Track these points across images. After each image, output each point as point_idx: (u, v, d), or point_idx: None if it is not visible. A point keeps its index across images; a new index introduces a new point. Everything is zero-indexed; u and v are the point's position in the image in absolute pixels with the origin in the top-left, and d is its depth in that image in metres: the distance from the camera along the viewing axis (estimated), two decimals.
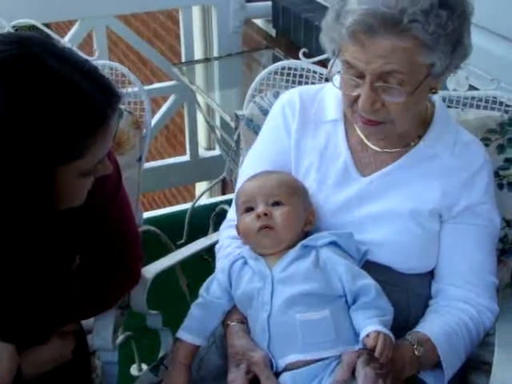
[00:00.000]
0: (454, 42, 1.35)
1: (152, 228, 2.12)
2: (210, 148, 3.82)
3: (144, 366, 2.55)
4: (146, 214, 3.35)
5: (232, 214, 1.62)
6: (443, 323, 1.44)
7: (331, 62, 1.44)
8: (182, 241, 3.03)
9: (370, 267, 1.45)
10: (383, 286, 1.40)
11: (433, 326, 1.43)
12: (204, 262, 1.81)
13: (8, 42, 1.22)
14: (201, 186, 3.91)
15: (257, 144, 1.66)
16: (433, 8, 1.32)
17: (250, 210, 1.47)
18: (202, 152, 3.70)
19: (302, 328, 1.34)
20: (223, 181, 3.20)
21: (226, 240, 1.62)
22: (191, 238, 2.15)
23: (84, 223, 1.48)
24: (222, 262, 1.56)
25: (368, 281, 1.39)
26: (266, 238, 1.44)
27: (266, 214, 1.43)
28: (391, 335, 1.32)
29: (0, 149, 1.19)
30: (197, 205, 3.30)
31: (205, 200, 3.54)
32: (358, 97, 1.38)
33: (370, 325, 1.33)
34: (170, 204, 4.59)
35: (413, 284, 1.49)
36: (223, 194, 3.60)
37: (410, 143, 1.51)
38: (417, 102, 1.40)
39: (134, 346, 2.47)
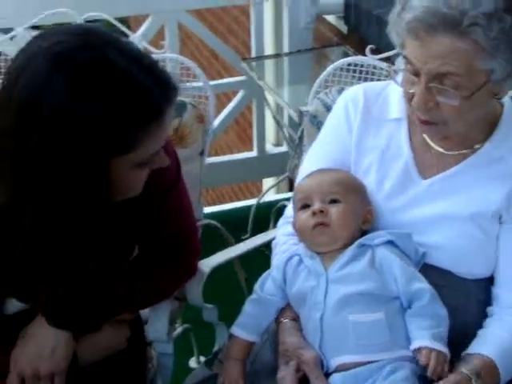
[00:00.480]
0: None
1: (212, 222, 2.13)
2: (277, 144, 3.81)
3: (202, 359, 2.52)
4: (212, 209, 3.43)
5: (290, 210, 1.60)
6: (502, 339, 1.41)
7: (398, 56, 1.44)
8: (247, 235, 3.03)
9: (429, 270, 1.43)
10: (442, 290, 1.38)
11: (491, 344, 1.41)
12: (264, 257, 1.73)
13: (71, 33, 1.24)
14: (268, 182, 3.90)
15: (318, 141, 1.65)
16: (497, 12, 1.27)
17: (306, 207, 1.46)
18: (270, 148, 3.69)
19: (354, 329, 1.33)
20: (290, 178, 3.06)
21: (283, 237, 1.61)
22: (255, 234, 2.16)
23: (142, 214, 1.49)
24: (277, 259, 1.56)
25: (423, 285, 1.37)
26: (321, 235, 1.43)
27: (321, 211, 1.42)
28: (445, 350, 1.31)
29: (57, 139, 1.21)
30: (262, 201, 3.30)
31: (271, 196, 3.53)
32: (414, 94, 1.37)
33: (423, 338, 1.32)
34: (238, 199, 4.56)
35: (472, 289, 1.46)
36: (290, 190, 3.52)
37: (475, 145, 1.48)
38: (474, 107, 1.37)
39: (193, 338, 2.49)
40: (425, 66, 1.31)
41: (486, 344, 1.40)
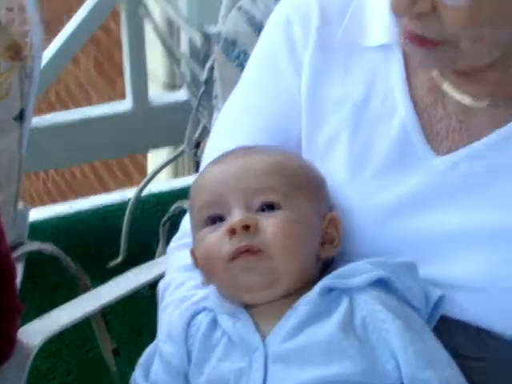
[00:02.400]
0: None
1: (47, 247, 1.69)
2: (172, 86, 3.11)
3: None
4: (52, 210, 2.66)
5: (189, 223, 1.28)
6: None
7: None
8: (118, 260, 2.39)
9: (451, 330, 1.15)
10: (475, 366, 1.10)
11: None
12: (147, 305, 1.52)
13: None
14: (157, 157, 3.15)
15: (239, 89, 1.35)
16: None
17: (216, 219, 1.13)
18: (157, 94, 2.95)
19: None
20: (195, 152, 2.37)
21: (179, 274, 1.29)
22: (133, 257, 1.98)
23: None
24: (171, 319, 1.24)
25: (445, 370, 1.06)
26: (248, 272, 1.10)
27: (247, 227, 1.09)
28: None
29: None
30: (146, 193, 2.55)
31: (162, 184, 2.79)
32: None
33: None
34: (105, 188, 3.72)
35: None
36: (197, 171, 2.89)
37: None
38: (505, 14, 1.06)
39: None
40: None
41: None
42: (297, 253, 1.14)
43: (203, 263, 1.16)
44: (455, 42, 1.09)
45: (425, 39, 1.11)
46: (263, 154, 1.21)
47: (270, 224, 1.13)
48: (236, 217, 1.12)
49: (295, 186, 1.18)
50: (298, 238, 1.15)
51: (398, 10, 1.10)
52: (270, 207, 1.15)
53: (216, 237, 1.13)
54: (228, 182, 1.17)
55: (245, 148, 1.22)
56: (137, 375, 1.19)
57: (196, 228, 1.17)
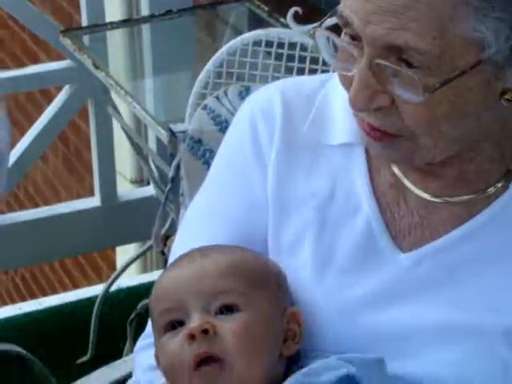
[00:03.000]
0: None
1: (15, 348, 1.64)
2: (140, 181, 3.07)
3: None
4: (13, 311, 2.54)
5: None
6: None
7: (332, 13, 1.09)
8: (87, 357, 2.33)
9: None
10: None
11: None
12: None
13: None
14: (126, 252, 3.05)
15: (206, 188, 1.27)
16: None
17: (176, 325, 1.04)
18: (126, 190, 2.87)
19: None
20: (163, 251, 2.29)
21: (145, 374, 1.19)
22: (101, 353, 1.96)
23: None
24: None
25: None
26: (208, 381, 1.01)
27: (205, 332, 1.00)
28: None
29: None
30: (115, 288, 2.49)
31: (132, 279, 2.71)
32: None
33: None
34: (74, 285, 3.63)
35: None
36: (165, 266, 2.84)
37: (490, 186, 1.09)
38: (457, 109, 1.00)
39: None
40: (367, 27, 0.99)
41: None
42: (259, 356, 1.07)
43: (166, 370, 1.10)
44: (413, 136, 1.05)
45: (383, 132, 1.06)
46: (219, 256, 1.14)
47: (229, 329, 1.06)
48: (195, 321, 1.05)
49: (253, 285, 1.11)
50: (260, 341, 1.07)
51: (356, 106, 1.06)
52: (229, 309, 1.08)
53: (176, 343, 1.06)
54: (185, 287, 1.10)
55: (201, 250, 1.15)
56: None
57: (158, 334, 1.10)
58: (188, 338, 1.04)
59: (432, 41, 0.98)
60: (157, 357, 1.11)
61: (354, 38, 1.03)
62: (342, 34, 1.06)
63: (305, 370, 1.06)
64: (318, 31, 1.09)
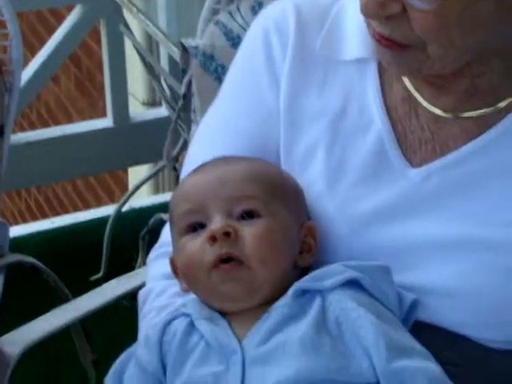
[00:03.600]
0: None
1: (27, 259, 1.69)
2: (152, 103, 3.09)
3: None
4: (29, 228, 2.64)
5: (168, 233, 1.26)
6: None
7: None
8: (99, 275, 2.39)
9: (422, 334, 1.13)
10: (449, 370, 1.07)
11: None
12: (126, 316, 1.41)
13: None
14: (137, 173, 3.09)
15: (219, 102, 1.34)
16: None
17: (196, 227, 1.11)
18: (138, 112, 2.93)
19: None
20: (175, 167, 2.32)
21: (158, 281, 1.29)
22: (114, 270, 1.92)
23: None
24: (149, 325, 1.24)
25: (420, 362, 1.06)
26: (229, 281, 1.09)
27: (227, 234, 1.08)
28: None
29: None
30: (126, 209, 2.54)
31: (142, 200, 2.77)
32: None
33: None
34: (85, 206, 3.71)
35: (500, 368, 1.17)
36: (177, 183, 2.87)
37: (502, 101, 1.14)
38: (474, 20, 1.05)
39: None
40: None
41: None
42: (276, 262, 1.14)
43: (184, 271, 1.16)
44: (423, 46, 1.09)
45: (393, 41, 1.11)
46: (243, 163, 1.21)
47: (250, 233, 1.12)
48: (217, 224, 1.11)
49: (275, 195, 1.18)
50: (278, 248, 1.15)
51: (367, 12, 1.10)
52: (250, 215, 1.14)
53: (197, 244, 1.12)
54: (209, 190, 1.16)
55: (224, 157, 1.21)
56: (108, 380, 1.18)
57: (177, 236, 1.16)
58: (210, 239, 1.10)
59: None
60: (172, 261, 1.18)
61: None
62: None
63: (312, 274, 1.14)
64: None
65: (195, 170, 1.20)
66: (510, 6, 1.06)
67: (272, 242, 1.13)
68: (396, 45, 1.10)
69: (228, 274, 1.11)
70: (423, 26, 1.07)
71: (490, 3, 1.05)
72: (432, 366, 1.06)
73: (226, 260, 1.10)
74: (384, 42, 1.10)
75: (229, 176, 1.18)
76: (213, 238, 1.09)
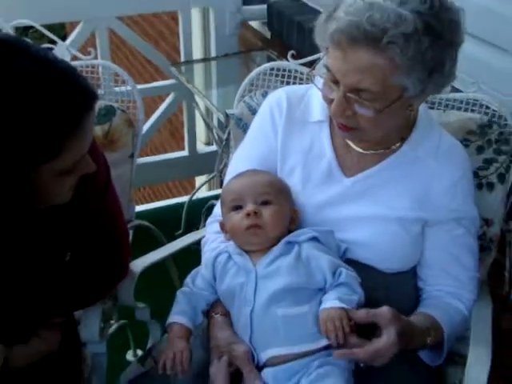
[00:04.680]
0: (431, 70, 1.29)
1: (144, 222, 2.05)
2: (208, 144, 3.71)
3: (139, 352, 2.48)
4: (146, 206, 3.29)
5: (218, 209, 1.55)
6: (448, 314, 1.44)
7: (318, 61, 1.42)
8: (180, 231, 2.87)
9: (350, 265, 1.40)
10: (363, 283, 1.36)
11: (435, 310, 1.43)
12: (196, 254, 1.64)
13: None
14: (201, 180, 3.73)
15: (245, 142, 1.60)
16: (416, 33, 1.25)
17: (237, 208, 1.41)
18: (201, 147, 3.55)
19: (283, 323, 1.30)
20: (220, 176, 2.79)
21: (212, 235, 1.56)
22: (189, 229, 2.09)
23: (74, 219, 1.42)
24: (206, 257, 1.51)
25: (347, 271, 1.36)
26: (254, 236, 1.39)
27: (255, 213, 1.38)
28: (346, 306, 1.29)
29: None
30: (195, 198, 3.14)
31: (203, 193, 3.37)
32: (333, 100, 1.34)
33: (328, 301, 1.29)
34: (173, 195, 4.45)
35: (392, 282, 1.45)
36: (220, 187, 3.41)
37: (393, 146, 1.46)
38: (388, 118, 1.35)
39: (129, 333, 2.41)
40: (344, 78, 1.28)
41: (431, 308, 1.43)
42: (279, 227, 1.42)
43: (230, 230, 1.44)
44: (363, 129, 1.37)
45: (348, 127, 1.38)
46: (262, 175, 1.48)
47: (266, 213, 1.40)
48: (250, 207, 1.40)
49: (279, 192, 1.44)
50: (280, 220, 1.42)
51: (335, 115, 1.36)
52: (266, 203, 1.42)
53: (238, 217, 1.42)
54: (245, 188, 1.43)
55: (252, 170, 1.50)
56: (187, 281, 1.46)
57: (226, 212, 1.45)
58: (246, 215, 1.40)
59: (379, 85, 1.28)
60: (222, 225, 1.47)
61: (334, 80, 1.31)
62: (326, 74, 1.33)
63: (293, 233, 1.42)
64: (312, 72, 1.42)
65: (236, 176, 1.48)
66: (406, 107, 1.35)
67: (277, 217, 1.41)
68: (348, 128, 1.38)
69: (254, 232, 1.40)
70: (366, 121, 1.35)
71: (399, 110, 1.35)
72: (355, 273, 1.37)
73: (253, 226, 1.39)
74: (342, 127, 1.38)
75: (255, 181, 1.44)
76: (247, 215, 1.39)
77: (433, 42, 1.25)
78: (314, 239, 1.39)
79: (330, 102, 1.34)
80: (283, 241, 1.37)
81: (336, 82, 1.30)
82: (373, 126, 1.34)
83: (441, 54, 1.28)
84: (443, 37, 1.27)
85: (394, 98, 1.29)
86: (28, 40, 1.22)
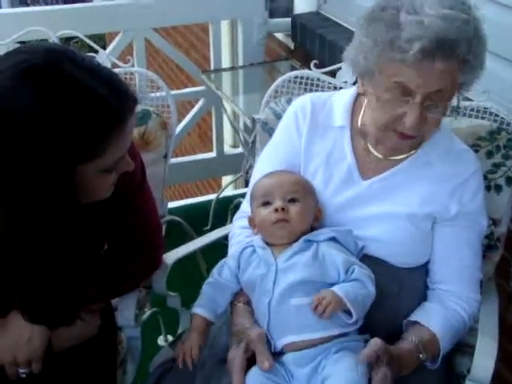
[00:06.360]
0: (481, 64, 1.33)
1: (175, 218, 2.12)
2: (234, 146, 3.69)
3: (170, 338, 2.51)
4: (177, 203, 3.31)
5: (245, 206, 1.57)
6: (445, 319, 1.41)
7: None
8: (208, 227, 2.95)
9: (367, 260, 1.40)
10: (378, 277, 1.36)
11: (437, 320, 1.41)
12: (223, 248, 1.63)
13: (33, 51, 1.18)
14: (227, 179, 3.78)
15: (270, 145, 1.60)
16: (476, 34, 1.29)
17: (266, 204, 1.42)
18: (228, 149, 3.57)
19: (296, 312, 1.30)
20: (245, 177, 2.84)
21: (238, 229, 1.58)
22: (216, 225, 2.11)
23: (111, 213, 1.44)
24: (233, 249, 1.52)
25: (361, 269, 1.35)
26: (281, 229, 1.39)
27: (283, 209, 1.39)
28: (342, 297, 1.29)
29: (24, 149, 1.15)
30: (222, 196, 3.21)
31: (229, 192, 3.42)
32: (402, 115, 1.33)
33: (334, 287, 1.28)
34: (202, 193, 4.44)
35: (405, 277, 1.44)
36: (246, 187, 3.41)
37: (413, 150, 1.46)
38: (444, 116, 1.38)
39: (161, 320, 2.44)
40: (422, 88, 1.28)
41: (430, 317, 1.40)
42: (304, 223, 1.42)
43: (259, 224, 1.44)
44: (424, 133, 1.38)
45: (412, 136, 1.37)
46: (289, 174, 1.49)
47: (293, 209, 1.41)
48: (278, 203, 1.41)
49: (306, 191, 1.45)
50: (305, 216, 1.42)
51: (414, 131, 1.35)
52: (293, 200, 1.43)
53: (267, 212, 1.42)
54: (274, 186, 1.44)
55: (281, 171, 1.51)
56: (214, 271, 1.46)
57: (256, 207, 1.45)
58: (275, 210, 1.40)
59: (452, 85, 1.31)
60: (250, 219, 1.47)
61: (406, 93, 1.29)
62: (392, 91, 1.30)
63: (313, 232, 1.42)
64: (362, 89, 1.41)
65: (265, 175, 1.48)
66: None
67: (303, 214, 1.41)
68: (412, 137, 1.37)
69: (281, 226, 1.40)
70: (433, 124, 1.36)
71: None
72: (369, 271, 1.36)
73: (280, 220, 1.39)
74: (405, 138, 1.36)
75: (284, 179, 1.46)
76: (276, 210, 1.40)
77: (479, 41, 1.29)
78: (332, 239, 1.39)
79: (395, 119, 1.33)
80: (303, 238, 1.38)
81: (408, 95, 1.29)
82: (436, 127, 1.35)
83: (483, 52, 1.31)
84: (482, 35, 1.31)
85: (454, 94, 1.33)
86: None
